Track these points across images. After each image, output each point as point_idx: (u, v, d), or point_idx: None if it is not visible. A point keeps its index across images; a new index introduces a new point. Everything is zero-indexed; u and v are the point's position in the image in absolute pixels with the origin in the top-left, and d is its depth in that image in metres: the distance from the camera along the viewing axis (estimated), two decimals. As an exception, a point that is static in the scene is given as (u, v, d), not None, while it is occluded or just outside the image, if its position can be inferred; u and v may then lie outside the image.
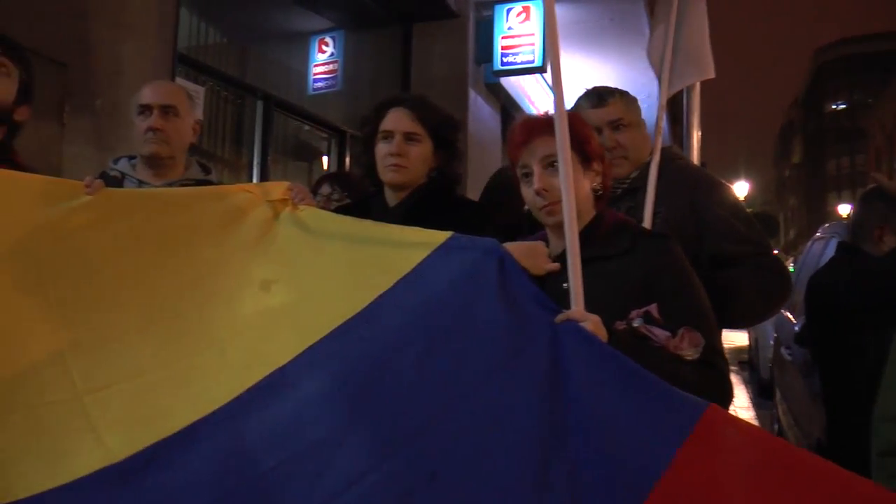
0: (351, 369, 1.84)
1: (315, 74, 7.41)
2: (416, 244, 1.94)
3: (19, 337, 1.98)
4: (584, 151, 1.96)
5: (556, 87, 1.80)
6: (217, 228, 2.23)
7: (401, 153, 2.43)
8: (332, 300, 1.98)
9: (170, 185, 2.68)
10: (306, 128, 7.30)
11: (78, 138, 3.95)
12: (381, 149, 2.47)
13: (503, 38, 8.55)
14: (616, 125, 2.72)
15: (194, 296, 2.14)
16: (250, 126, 6.31)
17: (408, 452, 1.62)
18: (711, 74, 3.10)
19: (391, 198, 2.52)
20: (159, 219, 2.23)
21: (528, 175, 1.97)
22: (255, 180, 6.09)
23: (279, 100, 6.57)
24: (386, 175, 2.47)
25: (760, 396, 9.55)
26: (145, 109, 2.70)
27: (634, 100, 2.85)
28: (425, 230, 1.97)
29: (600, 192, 2.04)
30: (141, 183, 2.69)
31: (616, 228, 1.99)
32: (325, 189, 3.57)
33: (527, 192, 1.98)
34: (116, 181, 2.70)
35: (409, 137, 2.45)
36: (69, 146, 3.88)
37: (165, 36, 4.75)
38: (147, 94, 2.74)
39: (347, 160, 7.36)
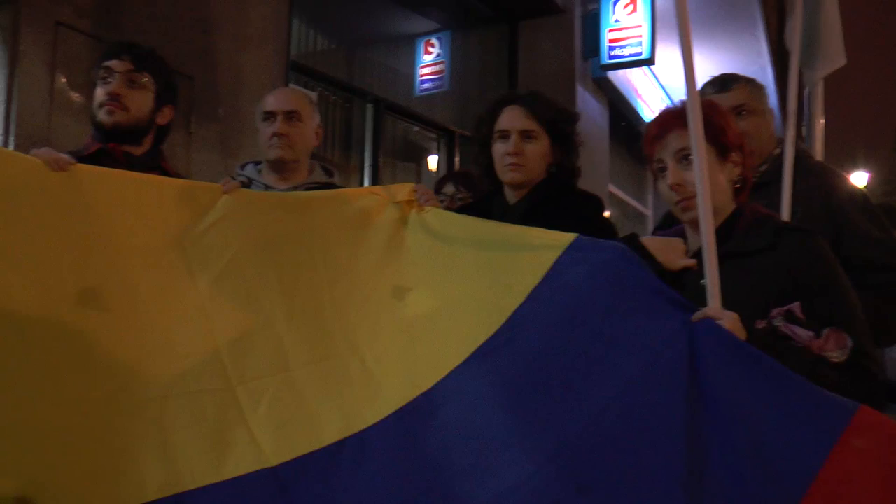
0: (498, 389, 1.82)
1: (422, 76, 7.46)
2: (542, 247, 1.92)
3: (175, 326, 2.06)
4: (720, 142, 1.88)
5: (689, 78, 1.73)
6: (347, 230, 2.27)
7: (518, 152, 2.41)
8: (472, 312, 1.99)
9: (294, 188, 2.74)
10: (415, 129, 7.37)
11: (204, 146, 4.11)
12: (498, 148, 2.46)
13: (610, 31, 8.39)
14: (739, 111, 2.61)
15: (330, 296, 2.19)
16: (360, 129, 6.41)
17: (556, 465, 1.61)
18: (843, 62, 2.96)
19: (511, 195, 2.51)
20: (293, 219, 2.29)
21: (663, 170, 1.91)
22: (366, 183, 6.19)
23: (390, 102, 6.66)
24: (505, 175, 2.46)
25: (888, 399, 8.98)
26: (270, 116, 2.78)
27: (761, 87, 2.73)
28: (548, 231, 1.95)
29: (739, 185, 1.95)
30: (267, 187, 2.77)
31: (756, 223, 1.89)
32: (449, 188, 3.59)
33: (662, 188, 1.93)
34: (244, 186, 2.79)
35: (525, 135, 2.43)
36: (196, 153, 4.05)
37: (279, 45, 4.91)
38: (271, 101, 2.82)
39: (457, 160, 7.38)
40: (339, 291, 2.19)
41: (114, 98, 2.41)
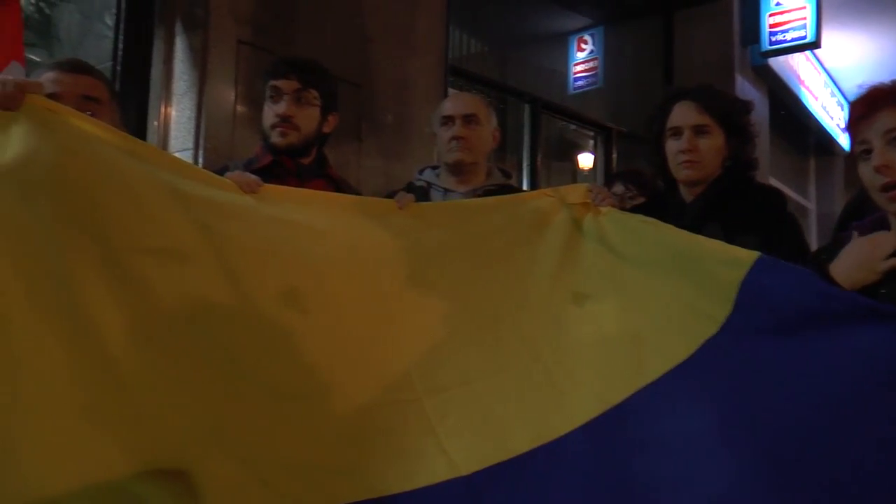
0: (699, 406, 1.78)
1: (575, 73, 7.37)
2: (726, 263, 1.85)
3: (367, 338, 2.10)
4: None
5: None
6: (522, 235, 2.25)
7: (692, 148, 2.33)
8: (660, 325, 1.94)
9: (473, 191, 2.76)
10: (572, 127, 7.29)
11: (372, 152, 4.23)
12: (671, 146, 2.38)
13: (771, 15, 7.99)
14: None
15: (508, 304, 2.17)
16: (517, 129, 6.41)
17: (765, 483, 1.56)
18: None
19: (686, 194, 2.41)
20: (467, 228, 2.29)
21: (868, 152, 1.77)
22: (524, 183, 6.18)
23: (546, 102, 6.62)
24: (679, 173, 2.38)
25: None
26: (448, 120, 2.81)
27: None
28: (728, 246, 1.89)
29: None
30: (446, 191, 2.79)
31: None
32: (619, 188, 3.50)
33: (864, 172, 1.79)
34: (423, 191, 2.83)
35: (698, 130, 2.34)
36: (366, 159, 4.17)
37: (438, 51, 4.98)
38: (449, 106, 2.85)
39: (614, 157, 7.24)
40: (517, 299, 2.18)
41: (285, 119, 2.48)
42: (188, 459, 1.79)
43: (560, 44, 7.49)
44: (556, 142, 7.26)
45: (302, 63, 2.57)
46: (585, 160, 7.50)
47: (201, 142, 3.62)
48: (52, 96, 1.93)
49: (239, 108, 3.73)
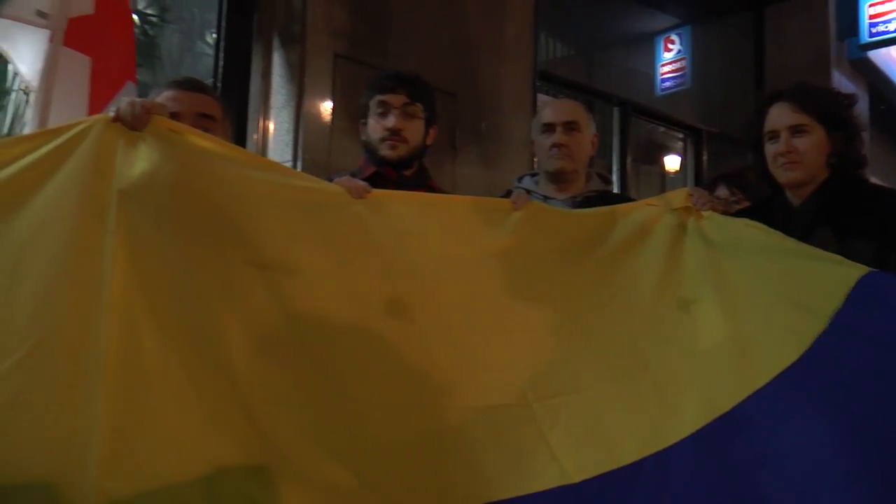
0: (811, 410, 1.73)
1: (663, 74, 7.25)
2: (835, 270, 1.84)
3: (475, 339, 2.08)
4: None
5: None
6: (628, 243, 2.22)
7: (790, 150, 2.26)
8: (767, 331, 1.90)
9: (573, 198, 2.72)
10: (661, 129, 7.16)
11: (468, 160, 4.22)
12: (770, 149, 2.32)
13: (871, 6, 7.64)
14: None
15: (615, 311, 2.14)
16: (604, 133, 6.32)
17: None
18: None
19: (793, 197, 2.33)
20: (576, 236, 2.26)
21: None
22: (615, 188, 6.08)
23: (635, 104, 6.53)
24: (781, 176, 2.30)
25: None
26: (549, 127, 2.77)
27: None
28: (835, 257, 1.89)
29: None
30: (546, 198, 2.76)
31: None
32: (722, 191, 3.39)
33: None
34: None
35: (795, 130, 2.27)
36: (461, 168, 4.17)
37: (528, 56, 4.97)
38: (550, 113, 2.82)
39: (705, 159, 7.07)
40: (624, 306, 2.15)
41: (395, 133, 2.50)
42: (300, 464, 1.82)
43: (646, 44, 7.38)
44: (645, 144, 7.14)
45: (408, 77, 2.59)
46: (674, 163, 7.35)
47: (299, 153, 3.69)
48: (171, 114, 1.99)
49: (336, 119, 3.78)
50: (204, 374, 1.76)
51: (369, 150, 2.58)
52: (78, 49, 2.65)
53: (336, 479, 1.83)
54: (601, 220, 2.28)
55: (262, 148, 3.74)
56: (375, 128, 2.54)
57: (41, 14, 2.58)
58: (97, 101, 2.65)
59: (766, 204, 2.47)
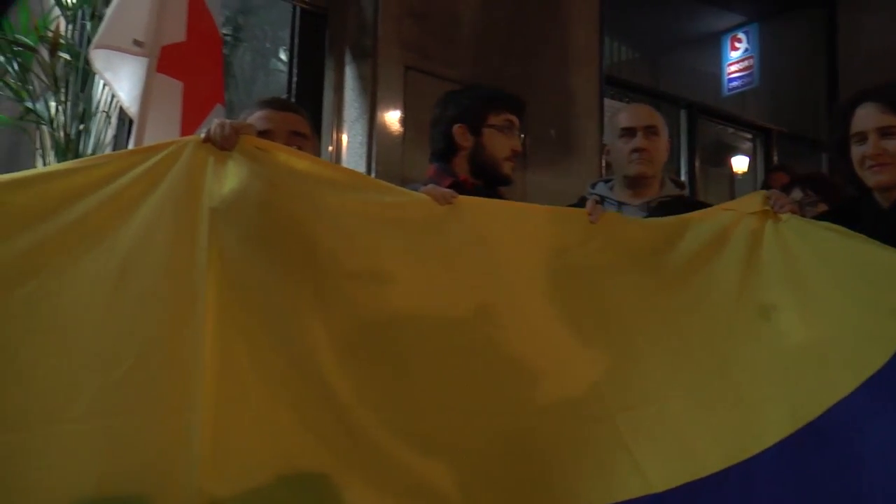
0: (891, 427, 1.73)
1: (729, 74, 7.12)
2: None
3: (558, 348, 2.11)
4: None
5: None
6: (705, 250, 2.21)
7: (878, 152, 2.21)
8: (852, 336, 1.88)
9: (648, 203, 2.73)
10: (730, 131, 7.06)
11: (538, 168, 4.25)
12: (856, 152, 2.27)
13: (952, -3, 7.37)
14: None
15: (695, 319, 2.14)
16: (673, 135, 6.25)
17: None
18: None
19: (882, 199, 2.28)
20: (653, 244, 2.27)
21: None
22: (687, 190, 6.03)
23: (702, 105, 6.45)
24: (870, 179, 2.26)
25: None
26: (628, 132, 2.77)
27: None
28: None
29: None
30: (620, 204, 2.76)
31: None
32: (797, 193, 3.34)
33: None
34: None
35: (884, 132, 2.22)
36: (531, 175, 4.19)
37: (595, 61, 4.97)
38: (629, 118, 2.82)
39: (775, 160, 6.93)
40: (704, 314, 2.14)
41: (516, 154, 2.67)
42: (392, 468, 1.87)
43: (712, 44, 7.25)
44: (713, 146, 7.03)
45: (518, 100, 2.78)
46: (743, 164, 7.22)
47: (373, 165, 3.77)
48: (263, 132, 2.09)
49: (407, 131, 3.86)
50: (297, 381, 1.82)
51: (489, 166, 2.65)
52: (171, 75, 2.79)
53: (425, 481, 1.88)
54: (677, 228, 2.28)
55: (337, 160, 3.84)
56: (504, 145, 2.65)
57: (137, 43, 2.72)
58: (189, 124, 2.78)
59: (849, 206, 2.43)
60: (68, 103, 3.46)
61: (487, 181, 2.63)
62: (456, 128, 2.64)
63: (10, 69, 3.39)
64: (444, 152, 2.67)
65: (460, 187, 2.54)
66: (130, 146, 2.75)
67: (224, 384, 1.75)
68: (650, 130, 2.75)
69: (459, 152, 2.65)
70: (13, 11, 3.41)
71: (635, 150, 2.73)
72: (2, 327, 1.68)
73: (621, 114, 2.88)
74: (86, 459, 1.65)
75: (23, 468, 1.62)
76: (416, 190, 2.44)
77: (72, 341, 1.71)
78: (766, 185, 4.01)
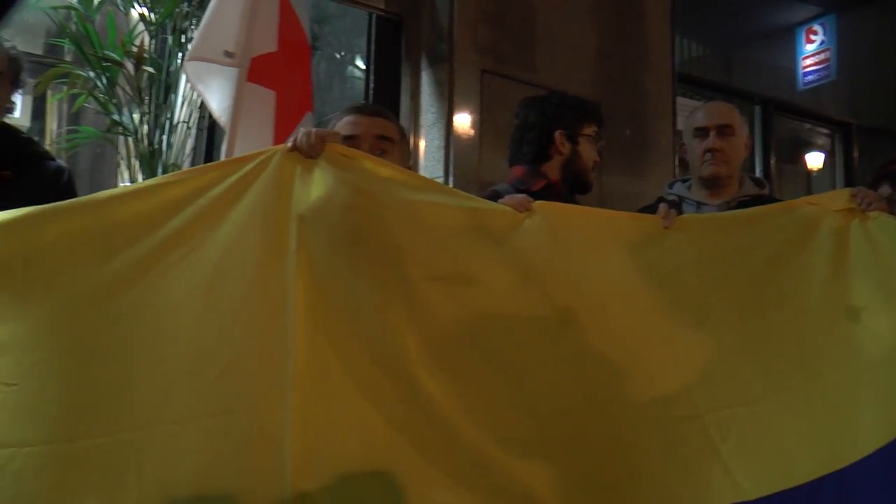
0: None
1: (805, 67, 6.95)
2: None
3: (643, 350, 2.09)
4: None
5: None
6: (789, 247, 2.16)
7: None
8: None
9: (727, 203, 2.67)
10: (806, 126, 6.89)
11: (613, 169, 4.22)
12: None
13: None
14: None
15: (781, 319, 2.09)
16: (749, 132, 6.15)
17: None
18: None
19: None
20: (735, 241, 2.22)
21: None
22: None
23: (777, 101, 6.32)
24: None
25: None
26: (702, 132, 2.73)
27: None
28: None
29: None
30: (699, 204, 2.73)
31: None
32: (885, 189, 3.24)
33: None
34: (675, 205, 2.75)
35: None
36: (607, 177, 4.16)
37: (667, 59, 4.92)
38: (703, 117, 2.77)
39: (855, 155, 6.74)
40: (789, 314, 2.09)
41: (597, 164, 2.72)
42: (481, 468, 1.89)
43: (786, 37, 7.09)
44: (788, 143, 6.87)
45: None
46: (821, 160, 7.03)
47: (450, 169, 3.79)
48: (349, 137, 2.14)
49: (484, 135, 3.87)
50: (385, 381, 1.86)
51: (578, 170, 2.72)
52: (263, 84, 2.85)
53: (516, 481, 1.90)
54: (758, 222, 2.23)
55: (414, 165, 3.87)
56: (593, 155, 2.75)
57: (228, 54, 2.79)
58: (282, 132, 2.83)
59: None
60: (150, 115, 3.56)
61: (572, 188, 2.64)
62: (557, 134, 2.68)
63: (98, 83, 3.51)
64: (537, 156, 2.68)
65: (552, 189, 2.58)
66: (221, 155, 2.82)
67: (314, 385, 1.79)
68: (724, 130, 2.70)
69: (554, 158, 2.68)
70: (100, 28, 3.52)
71: (708, 151, 2.69)
72: (106, 334, 1.77)
73: (697, 113, 2.83)
74: (182, 459, 1.72)
75: (122, 469, 1.70)
76: (497, 192, 2.46)
77: (168, 346, 1.78)
78: (849, 182, 3.91)
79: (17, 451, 1.68)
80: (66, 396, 1.75)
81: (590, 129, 2.69)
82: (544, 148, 2.68)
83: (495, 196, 2.31)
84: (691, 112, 2.91)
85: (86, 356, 1.78)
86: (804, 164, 7.12)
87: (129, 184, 3.40)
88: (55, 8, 3.52)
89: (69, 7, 3.53)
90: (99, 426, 1.73)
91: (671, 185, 2.90)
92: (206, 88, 2.84)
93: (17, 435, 1.70)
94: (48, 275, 1.80)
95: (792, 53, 7.04)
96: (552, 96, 2.90)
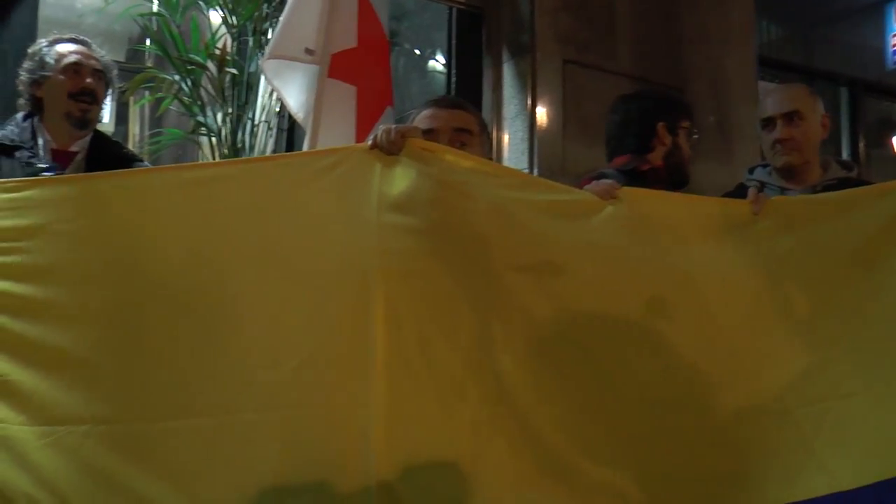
0: None
1: (895, 46, 6.66)
2: None
3: (733, 344, 2.03)
4: None
5: None
6: (883, 231, 2.07)
7: None
8: None
9: (812, 188, 2.60)
10: (897, 107, 6.63)
11: (699, 156, 4.10)
12: None
13: None
14: None
15: (877, 308, 2.00)
16: (833, 115, 5.93)
17: None
18: None
19: None
20: (824, 226, 2.13)
21: None
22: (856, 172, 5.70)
23: (865, 81, 6.11)
24: None
25: None
26: (769, 122, 2.66)
27: None
28: None
29: None
30: (783, 190, 2.64)
31: None
32: None
33: None
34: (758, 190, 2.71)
35: None
36: (692, 165, 4.06)
37: (749, 42, 4.81)
38: (768, 106, 2.70)
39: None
40: (886, 302, 2.00)
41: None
42: (567, 462, 1.88)
43: (873, 14, 6.81)
44: (877, 125, 6.61)
45: None
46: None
47: (535, 161, 3.76)
48: (428, 131, 2.15)
49: (567, 125, 3.83)
50: (470, 374, 1.86)
51: (678, 162, 2.69)
52: (344, 80, 2.88)
53: (607, 479, 1.88)
54: (853, 207, 2.14)
55: (498, 158, 3.87)
56: (689, 149, 2.74)
57: (308, 51, 2.82)
58: (364, 127, 2.88)
59: None
60: (233, 115, 3.61)
61: (672, 179, 2.62)
62: (660, 126, 2.65)
63: (183, 86, 3.57)
64: (639, 148, 2.67)
65: (657, 173, 2.58)
66: (305, 150, 2.83)
67: (397, 378, 1.81)
68: (791, 117, 2.61)
69: (657, 149, 2.66)
70: (184, 32, 3.58)
71: (777, 142, 2.62)
72: (189, 318, 1.85)
73: (764, 101, 2.75)
74: (261, 448, 1.77)
75: (195, 453, 1.77)
76: (604, 173, 2.46)
77: (248, 334, 1.85)
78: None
79: (93, 427, 1.76)
80: (145, 377, 1.82)
81: (686, 123, 2.68)
82: (647, 140, 2.66)
83: (601, 178, 2.31)
84: (761, 99, 2.82)
85: (168, 339, 1.85)
86: (894, 147, 6.85)
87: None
88: (142, 15, 3.61)
89: (155, 14, 3.61)
90: (177, 409, 1.80)
91: (751, 171, 2.82)
92: (284, 86, 2.90)
93: (93, 411, 1.78)
94: (146, 247, 1.89)
95: (880, 31, 6.76)
96: (648, 92, 3.01)
